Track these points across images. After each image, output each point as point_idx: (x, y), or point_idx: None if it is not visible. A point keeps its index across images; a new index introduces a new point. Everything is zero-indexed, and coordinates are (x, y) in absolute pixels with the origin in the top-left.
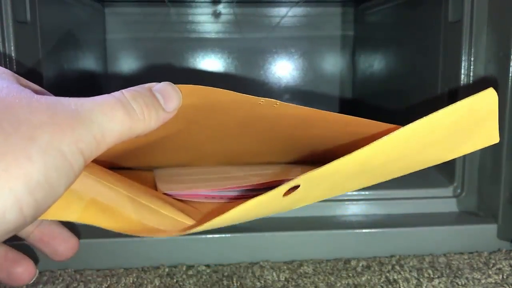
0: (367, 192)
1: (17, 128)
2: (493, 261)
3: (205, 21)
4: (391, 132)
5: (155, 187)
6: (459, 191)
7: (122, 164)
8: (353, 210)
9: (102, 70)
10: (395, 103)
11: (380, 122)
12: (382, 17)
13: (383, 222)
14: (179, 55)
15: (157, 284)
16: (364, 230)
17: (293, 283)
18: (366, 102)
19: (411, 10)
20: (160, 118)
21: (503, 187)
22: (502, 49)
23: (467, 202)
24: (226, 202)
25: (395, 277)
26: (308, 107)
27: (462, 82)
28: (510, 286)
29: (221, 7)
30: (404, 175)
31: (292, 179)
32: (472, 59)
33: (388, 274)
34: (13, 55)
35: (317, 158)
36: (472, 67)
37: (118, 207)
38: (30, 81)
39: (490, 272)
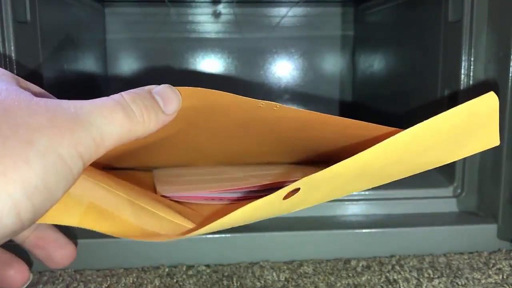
0: (367, 192)
1: (15, 131)
2: (493, 261)
3: (205, 21)
4: (392, 135)
5: (154, 188)
6: (459, 191)
7: (121, 164)
8: (353, 210)
9: (102, 70)
10: (395, 103)
11: (381, 125)
12: (382, 17)
13: (383, 222)
14: (179, 55)
15: (157, 284)
16: (364, 230)
17: (293, 283)
18: (366, 102)
19: (411, 10)
20: (160, 121)
21: (503, 187)
22: (502, 49)
23: (467, 202)
24: (226, 204)
25: (395, 277)
26: (308, 110)
27: (462, 82)
28: (510, 286)
29: (221, 7)
30: None
31: (293, 181)
32: (472, 59)
33: (388, 274)
34: (13, 55)
35: (317, 160)
36: (472, 67)
37: (117, 211)
38: (30, 81)
39: (490, 272)
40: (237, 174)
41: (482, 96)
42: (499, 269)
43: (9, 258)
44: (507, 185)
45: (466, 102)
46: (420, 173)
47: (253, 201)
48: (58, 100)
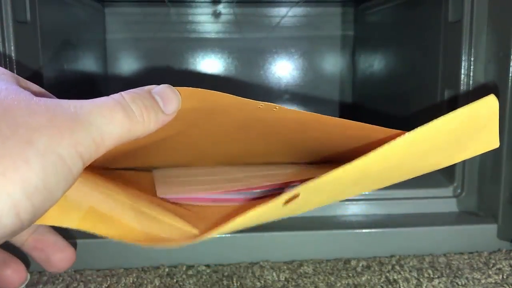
0: (367, 192)
1: (15, 131)
2: (493, 261)
3: (205, 21)
4: (392, 137)
5: (153, 189)
6: (459, 191)
7: (120, 165)
8: (353, 210)
9: (102, 70)
10: (395, 103)
11: (382, 127)
12: (382, 17)
13: (383, 222)
14: (179, 55)
15: (157, 284)
16: (364, 230)
17: (293, 283)
18: (366, 102)
19: (411, 10)
20: (159, 121)
21: (503, 187)
22: (502, 49)
23: (467, 202)
24: (226, 206)
25: (395, 277)
26: (308, 112)
27: (462, 82)
28: (510, 286)
29: (221, 7)
30: None
31: (293, 182)
32: (472, 59)
33: (388, 274)
34: (13, 55)
35: (318, 160)
36: (472, 67)
37: (117, 215)
38: (30, 81)
39: (490, 272)
40: (237, 174)
41: (482, 99)
42: (499, 269)
43: (6, 258)
44: (507, 185)
45: (467, 105)
46: None
47: (254, 205)
48: (58, 99)
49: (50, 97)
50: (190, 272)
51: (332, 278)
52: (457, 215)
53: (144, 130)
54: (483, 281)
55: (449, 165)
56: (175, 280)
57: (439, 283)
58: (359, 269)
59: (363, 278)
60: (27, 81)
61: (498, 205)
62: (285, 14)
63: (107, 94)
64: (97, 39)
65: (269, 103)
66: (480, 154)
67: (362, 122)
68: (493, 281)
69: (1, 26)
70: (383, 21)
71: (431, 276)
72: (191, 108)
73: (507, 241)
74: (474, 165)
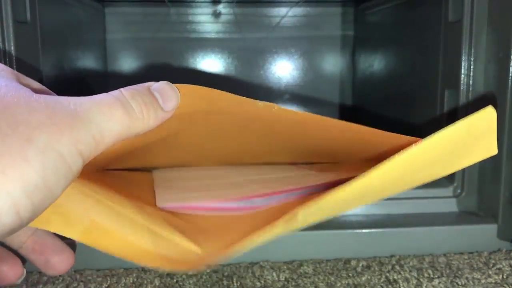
0: None
1: (14, 129)
2: (493, 261)
3: (205, 21)
4: (391, 140)
5: (153, 191)
6: (459, 191)
7: (120, 165)
8: (353, 210)
9: (102, 70)
10: (395, 103)
11: (381, 131)
12: (382, 17)
13: (383, 222)
14: (179, 55)
15: (157, 284)
16: (364, 230)
17: (293, 283)
18: (366, 102)
19: (411, 10)
20: (159, 117)
21: (503, 187)
22: (502, 49)
23: (467, 202)
24: (226, 215)
25: (395, 277)
26: (307, 113)
27: (462, 82)
28: (510, 286)
29: (221, 7)
30: None
31: (292, 190)
32: (472, 59)
33: (388, 274)
34: (13, 55)
35: (318, 160)
36: (472, 67)
37: (118, 231)
38: None
39: (490, 272)
40: (237, 178)
41: (481, 111)
42: (499, 269)
43: (3, 254)
44: (507, 185)
45: (466, 118)
46: None
47: (255, 219)
48: (57, 96)
49: (49, 94)
50: (190, 272)
51: (332, 278)
52: (457, 215)
53: (144, 127)
54: (483, 281)
55: (448, 174)
56: (175, 280)
57: (439, 283)
58: (359, 269)
59: (363, 278)
60: (27, 78)
61: (498, 205)
62: (285, 14)
63: None
64: (97, 39)
65: (268, 102)
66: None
67: (362, 122)
68: (493, 281)
69: (1, 26)
70: (383, 21)
71: (431, 276)
72: (190, 106)
73: (507, 241)
74: (474, 165)
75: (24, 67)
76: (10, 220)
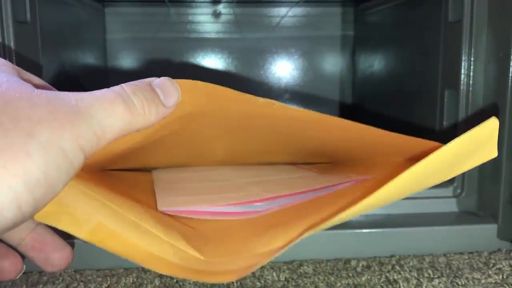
0: None
1: (16, 124)
2: (493, 261)
3: (205, 21)
4: (389, 140)
5: (153, 192)
6: (459, 191)
7: (120, 165)
8: None
9: (102, 70)
10: (395, 103)
11: (378, 129)
12: (382, 17)
13: (383, 222)
14: (179, 55)
15: (157, 284)
16: (364, 230)
17: (293, 283)
18: (366, 102)
19: (411, 10)
20: (160, 113)
21: (503, 187)
22: (502, 49)
23: (467, 202)
24: (227, 220)
25: (395, 277)
26: (307, 110)
27: (462, 82)
28: (510, 286)
29: (221, 7)
30: None
31: (293, 195)
32: (472, 59)
33: (388, 274)
34: (13, 55)
35: (317, 160)
36: (472, 67)
37: (124, 233)
38: None
39: (490, 272)
40: (237, 180)
41: (485, 122)
42: (499, 269)
43: (4, 250)
44: (507, 185)
45: (469, 132)
46: None
47: (255, 226)
48: (59, 92)
49: (50, 90)
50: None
51: (332, 278)
52: (457, 215)
53: (145, 122)
54: (483, 281)
55: (447, 179)
56: (175, 280)
57: (439, 283)
58: (359, 269)
59: (363, 278)
60: (28, 73)
61: (498, 205)
62: (285, 14)
63: None
64: (97, 39)
65: (268, 99)
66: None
67: (362, 122)
68: (493, 281)
69: (1, 26)
70: (383, 21)
71: (431, 276)
72: (191, 103)
73: (507, 241)
74: None
75: (24, 67)
76: (12, 214)
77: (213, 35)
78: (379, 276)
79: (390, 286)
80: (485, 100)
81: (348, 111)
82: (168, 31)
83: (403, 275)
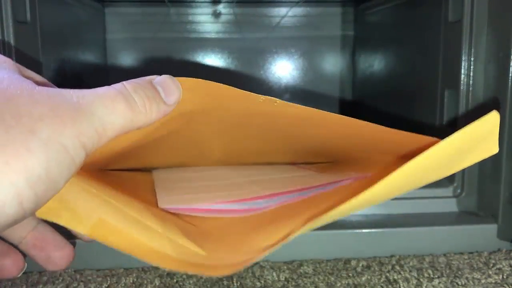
0: None
1: (18, 120)
2: (493, 261)
3: (205, 21)
4: (389, 137)
5: (153, 192)
6: (459, 191)
7: (120, 165)
8: None
9: (102, 70)
10: (395, 103)
11: (380, 126)
12: (382, 17)
13: (383, 222)
14: (179, 55)
15: (157, 284)
16: (364, 230)
17: (293, 283)
18: (366, 102)
19: (411, 10)
20: (161, 111)
21: (503, 187)
22: (502, 49)
23: (467, 202)
24: (227, 218)
25: (395, 277)
26: (308, 107)
27: (462, 82)
28: (510, 286)
29: (221, 7)
30: None
31: (292, 192)
32: (472, 59)
33: (388, 274)
34: (13, 55)
35: (317, 159)
36: (472, 67)
37: (126, 229)
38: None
39: (490, 272)
40: (237, 179)
41: (485, 116)
42: (499, 269)
43: (5, 248)
44: (507, 185)
45: (470, 125)
46: None
47: (257, 222)
48: (60, 89)
49: (51, 87)
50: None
51: (332, 278)
52: (457, 215)
53: (146, 120)
54: (483, 281)
55: (448, 175)
56: (175, 280)
57: (439, 283)
58: (359, 269)
59: (363, 278)
60: (29, 70)
61: (498, 205)
62: (285, 14)
63: None
64: (97, 39)
65: (269, 97)
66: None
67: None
68: (493, 281)
69: (1, 26)
70: (383, 21)
71: (431, 276)
72: (191, 101)
73: (507, 241)
74: (474, 165)
75: (24, 67)
76: (13, 211)
77: (213, 35)
78: (379, 276)
79: (390, 286)
80: (485, 100)
81: (348, 111)
82: (168, 31)
83: (403, 275)
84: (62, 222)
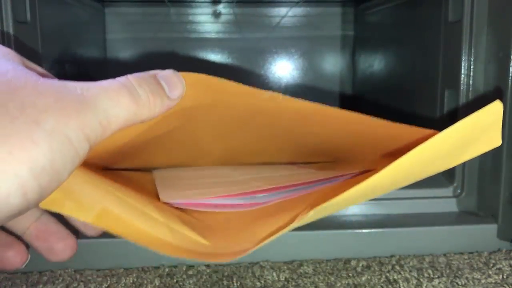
0: None
1: (22, 111)
2: (493, 261)
3: (205, 21)
4: (399, 131)
5: (154, 191)
6: (459, 191)
7: (120, 164)
8: (353, 210)
9: (102, 70)
10: (395, 103)
11: (383, 120)
12: (382, 17)
13: (383, 222)
14: (179, 55)
15: (157, 284)
16: (364, 230)
17: (293, 283)
18: (366, 102)
19: (411, 10)
20: (165, 105)
21: (503, 187)
22: (502, 49)
23: (467, 202)
24: (229, 212)
25: (395, 277)
26: (312, 102)
27: (462, 82)
28: (510, 286)
29: (221, 7)
30: None
31: (297, 185)
32: (472, 59)
33: (388, 274)
34: None
35: (318, 159)
36: (472, 67)
37: (129, 219)
38: None
39: (490, 272)
40: (238, 177)
41: (489, 105)
42: (499, 269)
43: (9, 240)
44: (507, 185)
45: (475, 113)
46: None
47: (258, 216)
48: (64, 81)
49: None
50: (190, 272)
51: (332, 278)
52: (457, 215)
53: (150, 114)
54: (483, 281)
55: (451, 167)
56: (175, 280)
57: (439, 283)
58: (359, 269)
59: (363, 278)
60: (32, 63)
61: (498, 205)
62: (285, 14)
63: None
64: (97, 39)
65: (273, 92)
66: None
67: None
68: (493, 281)
69: (1, 26)
70: (383, 21)
71: (431, 276)
72: (194, 98)
73: (507, 241)
74: (474, 165)
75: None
76: (18, 202)
77: (213, 35)
78: (379, 276)
79: (390, 286)
80: (485, 100)
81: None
82: (168, 31)
83: (403, 275)
84: (65, 211)
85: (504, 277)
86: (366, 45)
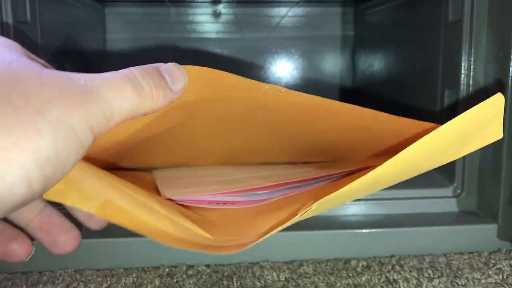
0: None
1: (26, 102)
2: (493, 261)
3: (205, 21)
4: (398, 127)
5: (155, 190)
6: (459, 191)
7: (120, 163)
8: (353, 210)
9: (102, 70)
10: (395, 103)
11: (388, 115)
12: (382, 17)
13: (383, 222)
14: (179, 55)
15: (157, 284)
16: (364, 230)
17: (293, 283)
18: (366, 102)
19: (411, 10)
20: (167, 98)
21: (503, 187)
22: (502, 49)
23: (467, 202)
24: (231, 208)
25: (395, 277)
26: (314, 95)
27: (462, 82)
28: (510, 286)
29: (221, 7)
30: None
31: (296, 182)
32: (472, 59)
33: (388, 274)
34: None
35: (318, 158)
36: (472, 67)
37: (133, 210)
38: None
39: (490, 272)
40: (238, 175)
41: (490, 98)
42: (499, 269)
43: (14, 233)
44: (507, 185)
45: (475, 106)
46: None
47: (263, 212)
48: (68, 72)
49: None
50: (190, 272)
51: (332, 278)
52: (457, 215)
53: (153, 106)
54: (483, 281)
55: (453, 160)
56: (175, 280)
57: (439, 283)
58: (359, 269)
59: (363, 278)
60: (34, 55)
61: (498, 205)
62: (285, 14)
63: None
64: (97, 39)
65: (274, 85)
66: (480, 154)
67: None
68: (493, 281)
69: (1, 26)
70: (383, 21)
71: (431, 276)
72: (196, 92)
73: (507, 241)
74: (474, 165)
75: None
76: (23, 192)
77: (213, 35)
78: (379, 276)
79: (390, 286)
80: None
81: None
82: (168, 31)
83: (403, 275)
84: (68, 202)
85: (504, 277)
86: (366, 45)
